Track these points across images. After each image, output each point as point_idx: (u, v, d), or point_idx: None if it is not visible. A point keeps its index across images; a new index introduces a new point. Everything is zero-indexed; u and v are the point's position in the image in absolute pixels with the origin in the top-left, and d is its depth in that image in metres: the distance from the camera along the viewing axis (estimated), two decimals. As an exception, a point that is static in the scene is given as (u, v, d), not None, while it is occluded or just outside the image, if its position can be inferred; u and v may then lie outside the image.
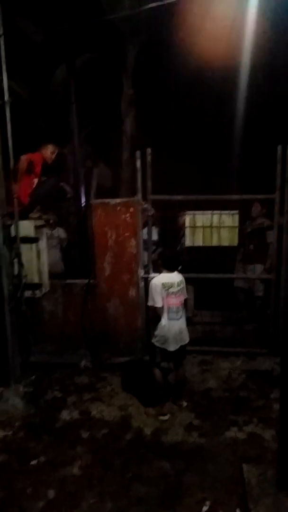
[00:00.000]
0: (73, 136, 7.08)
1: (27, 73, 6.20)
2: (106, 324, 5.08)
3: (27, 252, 4.54)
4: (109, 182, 7.82)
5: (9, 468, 3.38)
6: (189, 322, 6.17)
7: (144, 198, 4.99)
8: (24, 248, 4.50)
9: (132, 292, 5.02)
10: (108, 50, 6.94)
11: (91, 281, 5.08)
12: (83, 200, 6.97)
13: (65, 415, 4.04)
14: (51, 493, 3.09)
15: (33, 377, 4.71)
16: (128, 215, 4.92)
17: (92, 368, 4.94)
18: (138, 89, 7.24)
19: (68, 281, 5.32)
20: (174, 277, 4.00)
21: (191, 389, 4.44)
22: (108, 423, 3.90)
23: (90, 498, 3.03)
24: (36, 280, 4.61)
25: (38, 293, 4.65)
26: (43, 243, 4.79)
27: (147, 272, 5.14)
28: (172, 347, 3.92)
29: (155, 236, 5.79)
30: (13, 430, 3.84)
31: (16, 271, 4.44)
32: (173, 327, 3.92)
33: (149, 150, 4.84)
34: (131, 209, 4.92)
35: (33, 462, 3.42)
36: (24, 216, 4.60)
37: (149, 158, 4.85)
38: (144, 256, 5.21)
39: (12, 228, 4.41)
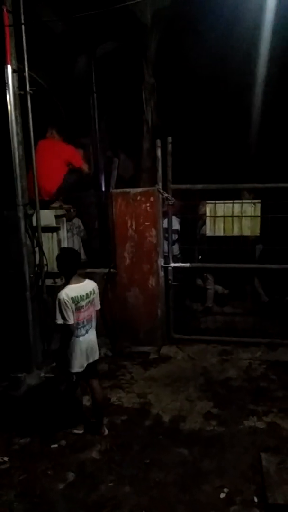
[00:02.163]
0: (94, 126, 7.10)
1: (48, 63, 6.23)
2: (126, 313, 5.12)
3: (48, 241, 4.61)
4: (130, 172, 7.82)
5: (31, 450, 3.47)
6: (209, 312, 6.22)
7: (165, 187, 4.97)
8: (45, 237, 4.57)
9: (152, 282, 5.03)
10: (129, 39, 6.89)
11: (111, 270, 5.11)
12: (103, 189, 7.00)
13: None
14: (71, 476, 3.16)
15: (54, 363, 4.78)
16: (148, 204, 4.92)
17: (112, 356, 5.00)
18: (159, 78, 7.19)
19: (89, 270, 5.36)
20: (86, 287, 3.46)
21: (210, 378, 4.45)
22: (127, 410, 3.95)
23: (109, 482, 3.08)
24: (56, 268, 4.66)
25: (59, 282, 4.71)
26: (63, 232, 4.84)
27: (167, 262, 5.14)
28: (81, 368, 3.46)
29: (176, 226, 5.78)
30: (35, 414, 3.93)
31: (37, 260, 4.51)
32: (81, 345, 3.43)
33: (169, 139, 4.82)
34: (152, 199, 4.92)
35: (54, 446, 3.50)
36: (46, 205, 4.67)
37: (169, 147, 4.82)
38: (165, 246, 5.21)
39: (34, 217, 4.47)
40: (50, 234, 4.64)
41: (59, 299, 3.31)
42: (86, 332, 3.49)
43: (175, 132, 5.02)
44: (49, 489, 3.04)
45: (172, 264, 5.16)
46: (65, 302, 3.29)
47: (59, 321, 3.32)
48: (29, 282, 4.41)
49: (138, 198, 4.94)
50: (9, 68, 4.10)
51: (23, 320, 4.42)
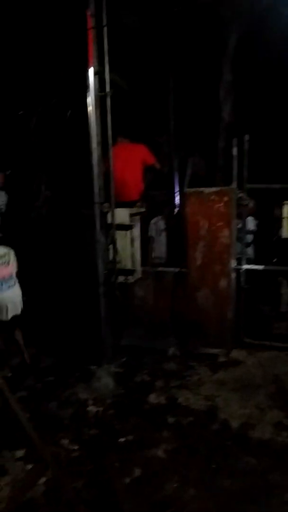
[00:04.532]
0: (169, 126, 7.11)
1: (126, 63, 6.34)
2: (196, 313, 5.07)
3: (121, 239, 4.70)
4: (204, 171, 7.73)
5: (99, 442, 3.56)
6: (283, 317, 5.95)
7: (240, 187, 4.84)
8: (119, 235, 4.67)
9: (223, 283, 4.93)
10: (208, 35, 6.80)
11: (183, 269, 5.09)
12: (176, 189, 7.00)
13: (152, 398, 4.13)
14: (137, 471, 3.20)
15: (124, 359, 4.89)
16: (222, 204, 4.82)
17: (180, 356, 4.98)
18: (237, 75, 7.01)
19: (160, 268, 5.41)
20: None
21: (282, 387, 4.25)
22: (194, 412, 3.91)
23: (174, 482, 3.07)
24: (129, 266, 4.76)
25: (130, 279, 4.81)
26: (137, 231, 4.91)
27: (239, 263, 5.01)
28: (3, 317, 4.24)
29: (252, 227, 5.62)
30: (104, 407, 4.03)
31: (110, 257, 4.62)
32: (2, 299, 4.21)
33: (246, 137, 4.68)
34: (225, 198, 4.81)
35: (121, 440, 3.56)
36: (131, 205, 4.82)
37: (246, 145, 4.69)
38: (238, 247, 5.08)
39: (109, 216, 4.59)
40: (124, 232, 4.73)
41: None
42: (9, 287, 4.24)
43: (252, 130, 4.86)
44: (116, 482, 3.10)
45: (244, 266, 5.02)
46: None
47: None
48: (102, 278, 4.54)
49: (212, 197, 4.86)
50: (91, 71, 4.23)
51: (96, 315, 4.56)
